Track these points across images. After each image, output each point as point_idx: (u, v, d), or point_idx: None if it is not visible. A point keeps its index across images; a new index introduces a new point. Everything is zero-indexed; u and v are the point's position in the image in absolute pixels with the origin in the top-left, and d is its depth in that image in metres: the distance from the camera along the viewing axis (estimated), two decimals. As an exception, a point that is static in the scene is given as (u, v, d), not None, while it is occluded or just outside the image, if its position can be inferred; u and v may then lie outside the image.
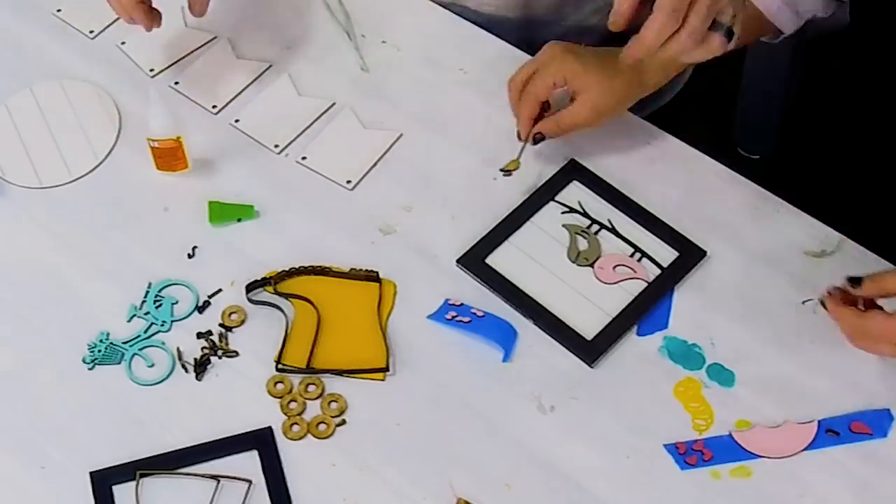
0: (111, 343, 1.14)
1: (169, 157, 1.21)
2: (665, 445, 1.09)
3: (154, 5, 1.24)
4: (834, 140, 1.59)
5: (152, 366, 1.13)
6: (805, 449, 1.08)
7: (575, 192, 1.24)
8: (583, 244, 1.21)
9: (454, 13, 1.37)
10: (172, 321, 1.16)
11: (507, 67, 1.32)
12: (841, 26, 1.24)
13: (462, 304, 1.16)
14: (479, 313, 1.16)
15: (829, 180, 1.84)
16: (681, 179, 1.25)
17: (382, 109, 1.30)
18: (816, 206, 1.24)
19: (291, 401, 1.11)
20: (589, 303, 1.17)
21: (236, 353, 1.14)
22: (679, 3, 1.00)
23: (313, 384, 1.12)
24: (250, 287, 1.17)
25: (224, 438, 1.09)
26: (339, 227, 1.22)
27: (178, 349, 1.14)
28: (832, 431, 1.08)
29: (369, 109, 1.30)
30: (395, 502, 1.06)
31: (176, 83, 1.32)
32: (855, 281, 1.06)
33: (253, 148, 1.28)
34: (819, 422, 1.09)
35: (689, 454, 1.08)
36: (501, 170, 1.21)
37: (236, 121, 1.29)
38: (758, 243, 1.20)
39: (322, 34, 1.36)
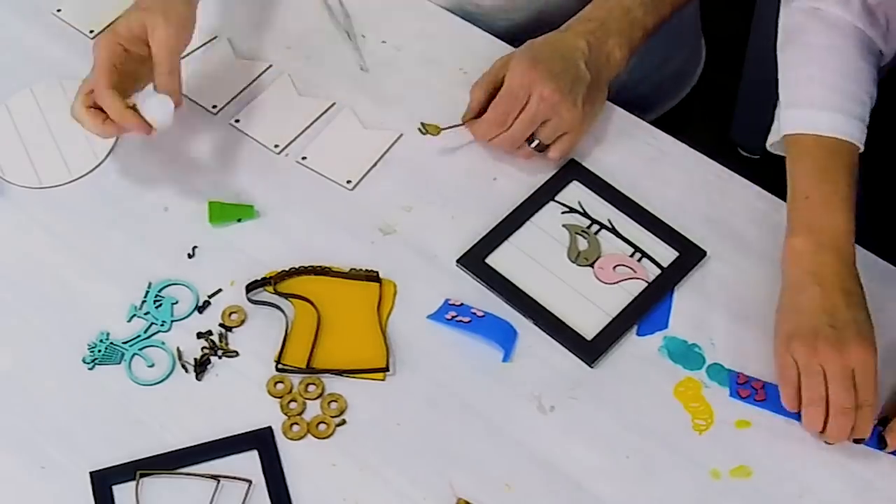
0: (111, 343, 1.14)
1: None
2: (728, 370, 1.11)
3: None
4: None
5: (152, 366, 1.13)
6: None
7: (575, 192, 1.24)
8: (583, 244, 1.21)
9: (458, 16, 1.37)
10: (172, 321, 1.16)
11: (507, 67, 1.33)
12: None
13: (462, 304, 1.16)
14: (479, 313, 1.16)
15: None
16: (681, 179, 1.25)
17: (382, 109, 1.30)
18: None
19: (291, 401, 1.11)
20: (589, 303, 1.17)
21: (236, 353, 1.14)
22: (508, 109, 1.19)
23: (313, 384, 1.12)
24: (250, 287, 1.17)
25: (224, 438, 1.09)
26: (339, 227, 1.22)
27: (178, 349, 1.14)
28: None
29: (369, 109, 1.30)
30: (395, 502, 1.06)
31: (176, 83, 1.32)
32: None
33: (253, 148, 1.28)
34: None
35: (745, 386, 1.08)
36: (421, 124, 1.23)
37: (236, 121, 1.29)
38: (758, 243, 1.20)
39: (322, 34, 1.36)
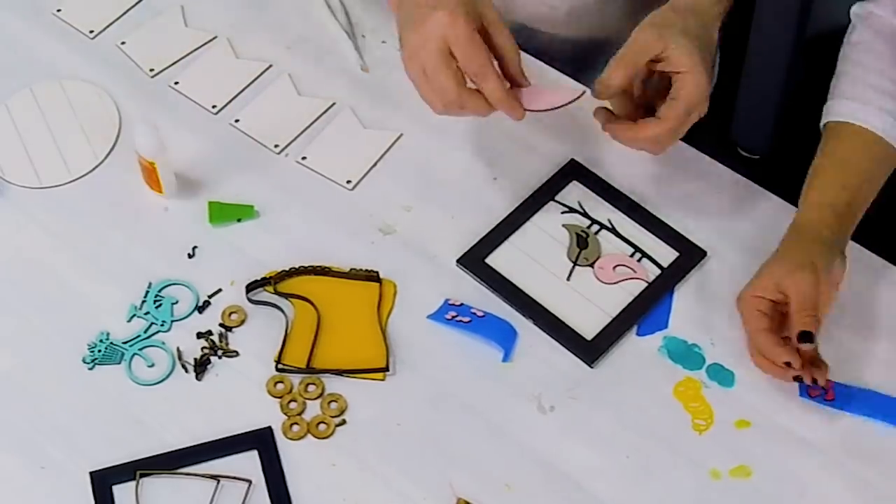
0: (111, 343, 1.14)
1: (148, 174, 1.21)
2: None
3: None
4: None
5: (152, 366, 1.13)
6: None
7: (575, 192, 1.24)
8: (583, 244, 1.21)
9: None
10: (172, 321, 1.16)
11: (507, 67, 1.32)
12: None
13: (462, 304, 1.16)
14: (479, 313, 1.16)
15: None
16: (681, 179, 1.25)
17: (382, 109, 1.30)
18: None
19: (291, 401, 1.11)
20: (589, 303, 1.17)
21: (236, 353, 1.14)
22: (685, 123, 1.12)
23: (313, 384, 1.12)
24: (250, 287, 1.17)
25: (224, 438, 1.09)
26: (339, 227, 1.22)
27: (178, 349, 1.14)
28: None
29: (369, 109, 1.30)
30: (395, 502, 1.06)
31: (176, 83, 1.32)
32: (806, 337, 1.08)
33: (253, 148, 1.28)
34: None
35: (814, 387, 1.09)
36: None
37: (236, 121, 1.29)
38: (758, 243, 1.20)
39: (322, 34, 1.36)
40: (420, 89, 1.12)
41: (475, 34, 1.09)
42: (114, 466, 1.07)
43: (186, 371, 1.13)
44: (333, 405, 1.11)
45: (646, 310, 1.16)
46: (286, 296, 1.16)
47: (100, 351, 1.14)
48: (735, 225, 1.21)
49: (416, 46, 1.10)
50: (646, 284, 1.18)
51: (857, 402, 1.10)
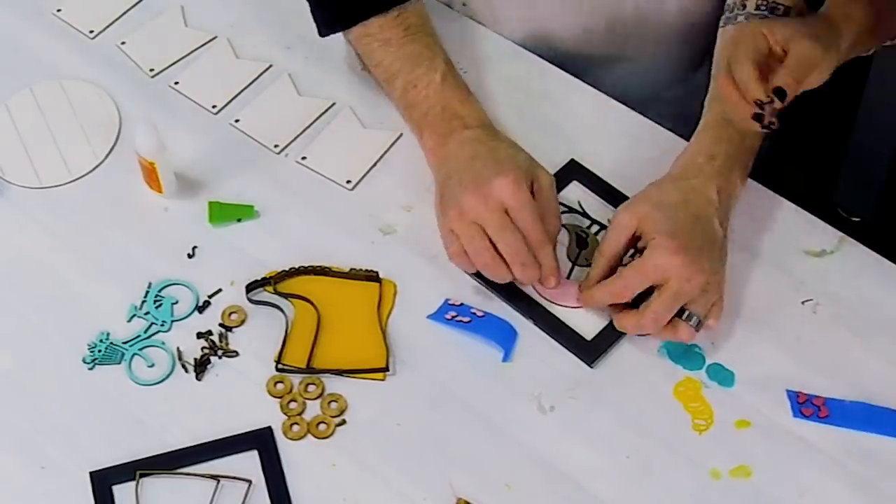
0: (111, 343, 1.14)
1: (147, 174, 1.21)
2: (787, 391, 1.10)
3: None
4: (834, 138, 1.57)
5: (152, 366, 1.13)
6: None
7: (575, 192, 1.24)
8: (583, 244, 1.20)
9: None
10: (172, 321, 1.16)
11: (508, 67, 1.33)
12: None
13: (462, 304, 1.16)
14: (479, 313, 1.16)
15: (828, 179, 1.81)
16: (681, 179, 1.25)
17: (382, 109, 1.30)
18: (816, 205, 1.23)
19: (291, 401, 1.11)
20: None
21: (236, 353, 1.14)
22: (632, 284, 1.10)
23: (313, 384, 1.12)
24: (250, 287, 1.17)
25: (224, 438, 1.09)
26: (339, 227, 1.22)
27: (178, 349, 1.14)
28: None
29: (369, 109, 1.30)
30: (395, 502, 1.06)
31: (176, 83, 1.32)
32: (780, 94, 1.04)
33: (253, 148, 1.28)
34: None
35: (806, 405, 1.08)
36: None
37: (236, 121, 1.29)
38: (758, 243, 1.20)
39: (322, 34, 1.36)
40: (468, 246, 1.12)
41: (533, 201, 1.13)
42: (114, 466, 1.07)
43: (186, 371, 1.13)
44: (333, 405, 1.11)
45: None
46: (286, 296, 1.16)
47: (100, 351, 1.14)
48: (735, 225, 1.21)
49: (474, 207, 1.12)
50: (646, 284, 1.18)
51: (851, 416, 1.09)
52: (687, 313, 1.10)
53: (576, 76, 1.32)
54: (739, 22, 1.17)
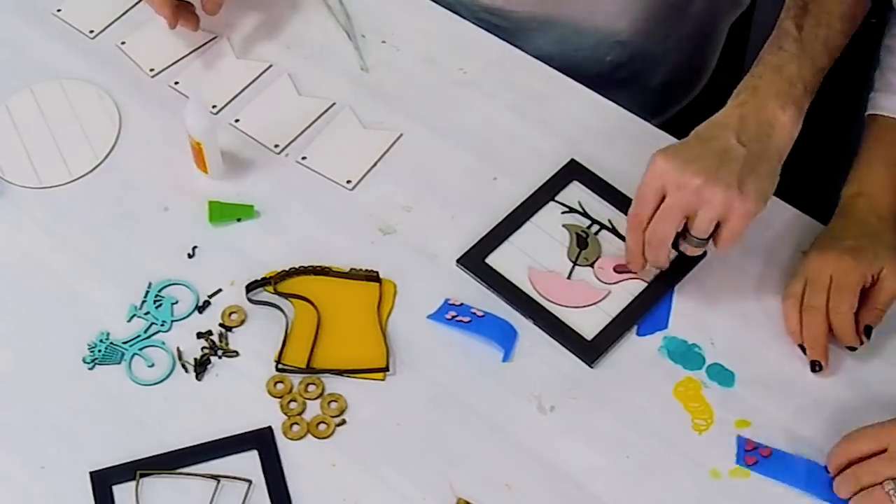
0: (111, 343, 1.14)
1: (195, 153, 1.22)
2: (738, 437, 1.09)
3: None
4: (833, 138, 1.57)
5: (152, 366, 1.13)
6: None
7: (575, 192, 1.24)
8: (583, 244, 1.21)
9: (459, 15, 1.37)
10: (172, 321, 1.16)
11: (508, 67, 1.33)
12: None
13: (462, 304, 1.16)
14: (479, 313, 1.16)
15: (827, 178, 1.81)
16: (681, 179, 1.25)
17: (382, 109, 1.30)
18: (816, 206, 1.23)
19: (291, 401, 1.11)
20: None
21: (236, 353, 1.14)
22: (638, 211, 1.10)
23: (313, 384, 1.12)
24: (250, 287, 1.17)
25: (224, 438, 1.09)
26: (339, 227, 1.22)
27: (178, 349, 1.14)
28: None
29: (369, 109, 1.30)
30: (395, 502, 1.06)
31: (176, 83, 1.32)
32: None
33: (253, 148, 1.28)
34: None
35: (753, 453, 1.07)
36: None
37: (236, 121, 1.29)
38: (757, 243, 1.20)
39: (322, 34, 1.36)
40: None
41: None
42: (114, 466, 1.07)
43: (186, 371, 1.13)
44: (333, 405, 1.11)
45: (646, 310, 1.16)
46: (286, 296, 1.16)
47: (100, 351, 1.14)
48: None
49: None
50: (646, 284, 1.18)
51: (779, 469, 1.07)
52: (686, 235, 1.10)
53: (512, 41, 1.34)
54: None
